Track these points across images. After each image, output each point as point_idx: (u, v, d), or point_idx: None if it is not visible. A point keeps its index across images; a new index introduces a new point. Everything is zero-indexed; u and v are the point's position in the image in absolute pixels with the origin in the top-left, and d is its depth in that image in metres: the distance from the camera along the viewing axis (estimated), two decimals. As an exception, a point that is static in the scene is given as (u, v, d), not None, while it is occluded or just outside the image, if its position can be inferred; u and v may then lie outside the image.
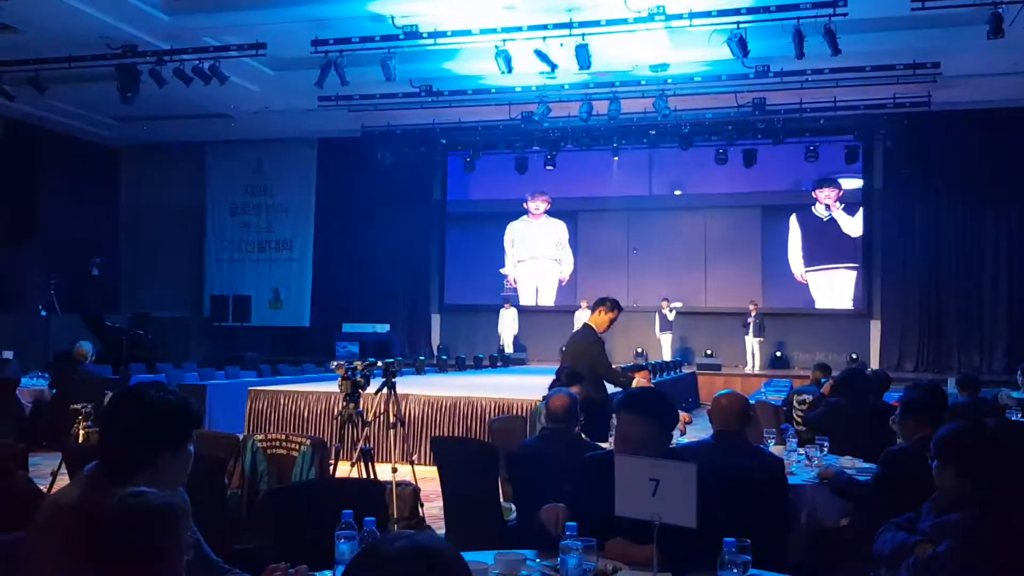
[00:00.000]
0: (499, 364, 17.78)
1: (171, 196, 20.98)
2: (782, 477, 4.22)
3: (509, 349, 19.62)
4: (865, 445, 5.32)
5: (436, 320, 21.35)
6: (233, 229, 21.02)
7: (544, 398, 5.35)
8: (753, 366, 18.00)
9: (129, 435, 2.40)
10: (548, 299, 21.03)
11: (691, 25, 12.15)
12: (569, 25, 12.20)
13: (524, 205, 21.07)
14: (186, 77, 13.47)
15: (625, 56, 13.97)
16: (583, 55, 12.34)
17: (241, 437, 5.40)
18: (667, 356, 18.04)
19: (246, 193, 20.95)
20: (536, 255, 21.21)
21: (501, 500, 4.92)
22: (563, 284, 20.93)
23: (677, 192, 20.20)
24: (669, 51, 14.00)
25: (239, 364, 15.76)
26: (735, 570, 2.51)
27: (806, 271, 19.42)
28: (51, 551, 1.72)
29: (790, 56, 12.01)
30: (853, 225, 19.21)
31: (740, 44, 11.76)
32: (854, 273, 19.11)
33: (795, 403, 7.57)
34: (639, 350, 18.71)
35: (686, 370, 17.34)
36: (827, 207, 19.35)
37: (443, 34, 12.63)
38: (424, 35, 12.63)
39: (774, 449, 5.30)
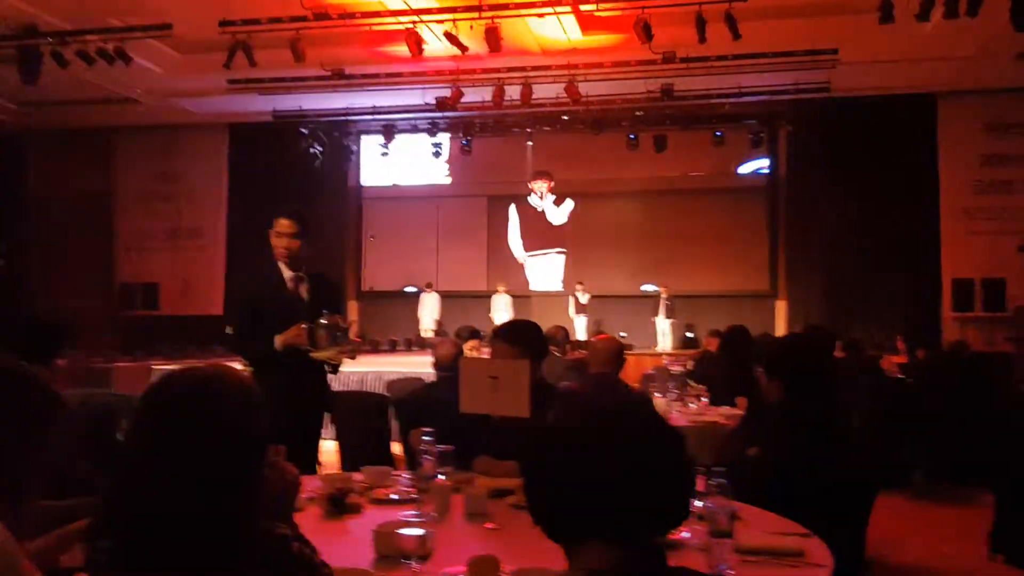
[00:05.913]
0: (414, 349, 17.85)
1: (80, 184, 20.45)
2: (651, 407, 4.42)
3: (428, 334, 19.67)
4: (743, 395, 5.59)
5: (354, 307, 21.30)
6: (143, 217, 20.59)
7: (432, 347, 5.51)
8: (664, 346, 18.41)
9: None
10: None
11: (598, 9, 12.38)
12: (479, 8, 12.32)
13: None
14: (89, 58, 13.20)
15: (536, 40, 14.13)
16: (493, 38, 12.47)
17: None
18: (582, 337, 18.33)
19: (156, 180, 20.56)
20: None
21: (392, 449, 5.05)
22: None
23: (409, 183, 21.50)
24: (579, 36, 14.21)
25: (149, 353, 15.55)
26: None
27: (527, 255, 21.09)
28: None
29: (695, 42, 12.27)
30: (558, 215, 20.97)
31: (645, 29, 11.98)
32: (563, 257, 20.92)
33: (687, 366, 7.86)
34: (554, 333, 18.97)
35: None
36: (540, 197, 20.95)
37: (352, 15, 12.64)
38: (334, 16, 12.63)
39: (657, 400, 5.53)
